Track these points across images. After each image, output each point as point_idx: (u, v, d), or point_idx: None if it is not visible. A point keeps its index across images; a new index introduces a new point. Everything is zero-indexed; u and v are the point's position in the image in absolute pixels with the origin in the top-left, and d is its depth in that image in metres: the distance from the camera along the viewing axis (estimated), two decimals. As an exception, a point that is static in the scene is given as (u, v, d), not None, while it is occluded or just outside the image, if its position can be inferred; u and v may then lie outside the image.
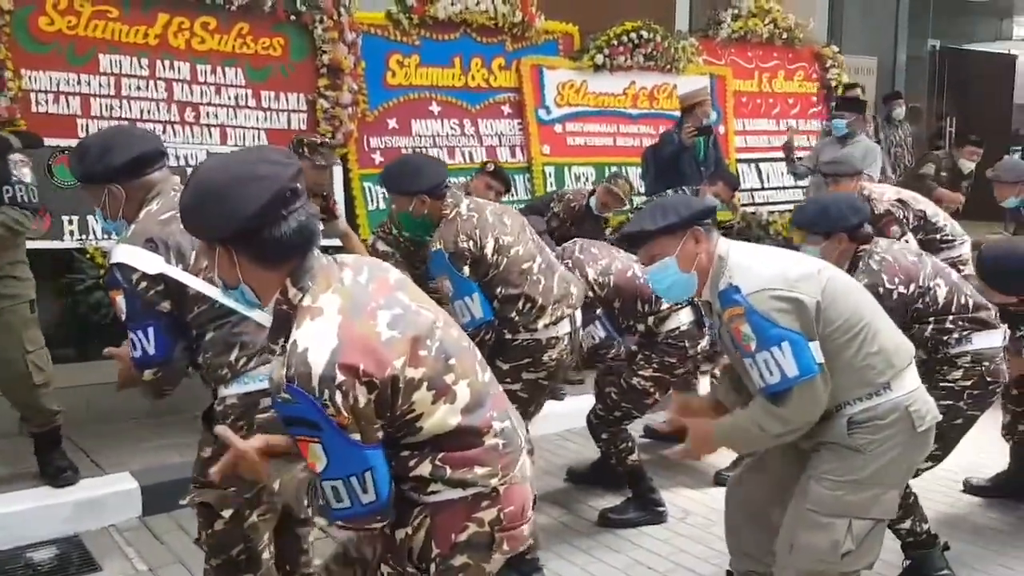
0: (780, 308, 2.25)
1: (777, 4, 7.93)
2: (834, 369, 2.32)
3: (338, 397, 1.53)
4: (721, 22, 7.60)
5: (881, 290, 3.02)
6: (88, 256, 4.76)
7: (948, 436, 3.11)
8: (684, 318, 3.71)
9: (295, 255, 1.66)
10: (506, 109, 6.42)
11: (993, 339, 3.25)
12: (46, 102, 4.75)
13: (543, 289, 3.29)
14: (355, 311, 1.63)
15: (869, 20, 10.14)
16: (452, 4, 5.98)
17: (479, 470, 1.70)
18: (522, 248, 3.30)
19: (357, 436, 1.57)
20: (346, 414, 1.54)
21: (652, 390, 3.75)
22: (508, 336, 3.28)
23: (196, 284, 2.20)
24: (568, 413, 4.72)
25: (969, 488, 4.15)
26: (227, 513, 2.28)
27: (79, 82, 4.83)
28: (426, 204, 3.26)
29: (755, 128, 7.88)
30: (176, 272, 2.20)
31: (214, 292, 2.17)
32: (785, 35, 7.92)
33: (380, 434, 1.62)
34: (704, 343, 3.75)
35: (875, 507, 2.39)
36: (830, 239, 3.08)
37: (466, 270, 3.20)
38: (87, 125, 4.83)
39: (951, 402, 3.15)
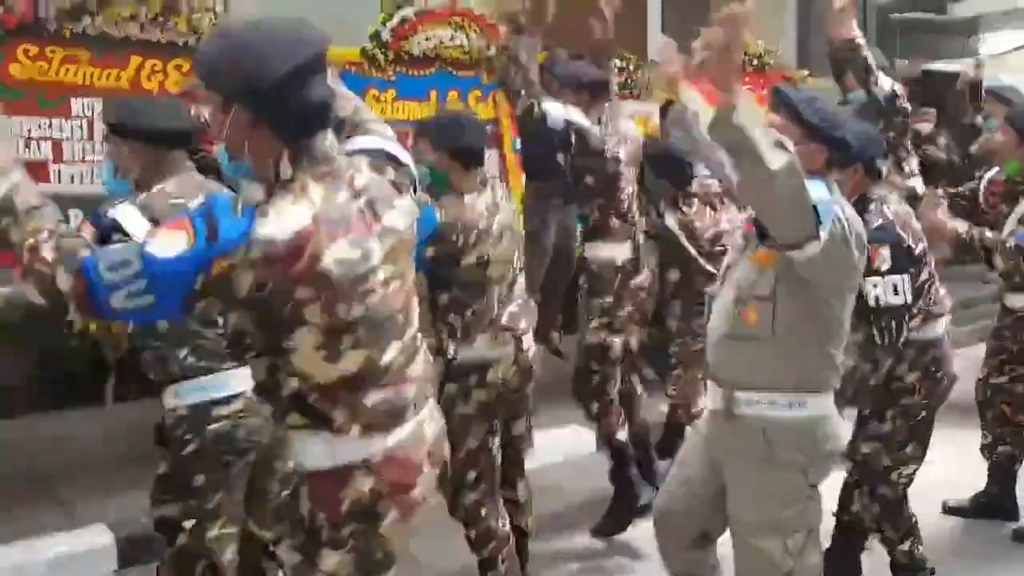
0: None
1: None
2: (797, 337, 2.33)
3: (238, 259, 1.52)
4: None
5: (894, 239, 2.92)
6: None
7: (918, 433, 3.14)
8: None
9: (310, 129, 1.65)
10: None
11: (937, 329, 3.27)
12: (18, 148, 4.71)
13: None
14: (324, 225, 1.60)
15: (838, 43, 10.28)
16: (427, 39, 6.00)
17: (338, 412, 1.69)
18: None
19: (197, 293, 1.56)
20: (221, 265, 1.52)
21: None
22: None
23: None
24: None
25: (948, 509, 4.16)
26: (189, 524, 2.25)
27: (50, 127, 4.80)
28: None
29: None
30: None
31: None
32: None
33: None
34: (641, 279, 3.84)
35: (803, 518, 2.38)
36: (845, 169, 2.79)
37: None
38: (60, 171, 4.79)
39: (908, 400, 3.16)
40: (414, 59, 6.00)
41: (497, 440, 3.19)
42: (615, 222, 4.10)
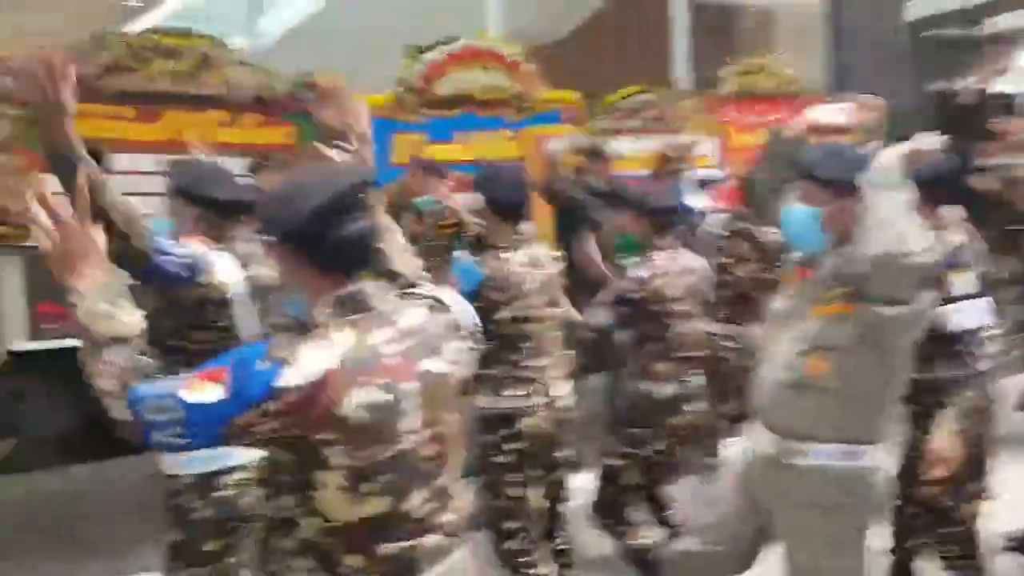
0: None
1: (776, 58, 8.02)
2: (863, 389, 2.36)
3: (271, 405, 1.55)
4: (721, 79, 7.69)
5: None
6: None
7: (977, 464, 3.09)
8: None
9: (349, 264, 1.70)
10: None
11: None
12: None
13: None
14: (351, 367, 1.61)
15: (877, 64, 10.22)
16: (454, 81, 6.10)
17: (351, 559, 1.64)
18: None
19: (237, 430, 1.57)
20: (254, 424, 1.55)
21: None
22: None
23: None
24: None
25: (1009, 542, 4.03)
26: None
27: (94, 182, 4.96)
28: None
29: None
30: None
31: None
32: (789, 87, 7.99)
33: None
34: None
35: (854, 564, 2.39)
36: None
37: None
38: (103, 223, 4.96)
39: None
40: (442, 100, 6.10)
41: (537, 491, 3.21)
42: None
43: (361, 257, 1.71)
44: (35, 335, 4.73)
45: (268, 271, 2.43)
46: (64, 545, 4.23)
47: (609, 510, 3.82)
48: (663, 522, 3.76)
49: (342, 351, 1.61)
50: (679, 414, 3.64)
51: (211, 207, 2.39)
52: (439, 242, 5.07)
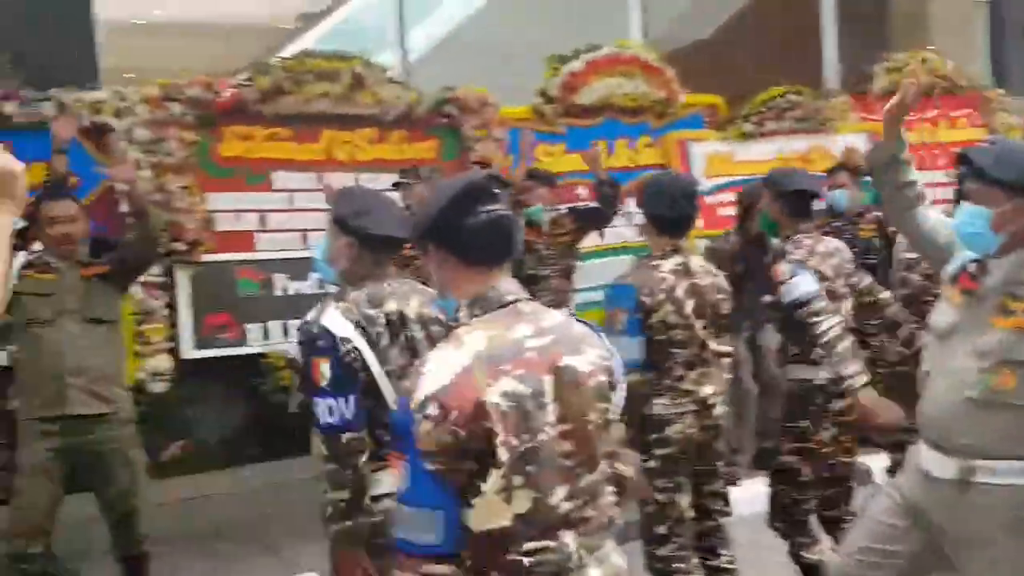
0: None
1: (934, 52, 7.62)
2: None
3: (425, 425, 1.59)
4: (873, 76, 7.37)
5: None
6: (269, 360, 5.10)
7: None
8: None
9: (487, 253, 1.75)
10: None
11: None
12: (228, 220, 5.19)
13: None
14: (487, 360, 1.65)
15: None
16: (595, 90, 6.12)
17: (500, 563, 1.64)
18: None
19: (436, 468, 1.59)
20: (426, 444, 1.59)
21: None
22: None
23: (380, 380, 2.32)
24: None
25: None
26: None
27: (256, 200, 5.25)
28: None
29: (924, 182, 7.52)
30: (367, 353, 2.32)
31: (387, 393, 2.29)
32: (945, 82, 7.58)
33: (463, 478, 1.61)
34: None
35: None
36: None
37: None
38: (264, 239, 5.24)
39: None
40: (583, 109, 6.13)
41: (686, 498, 3.19)
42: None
43: (498, 245, 1.76)
44: (203, 344, 5.05)
45: (416, 303, 2.44)
46: (233, 543, 4.50)
47: (788, 514, 3.70)
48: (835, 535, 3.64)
49: (476, 348, 1.66)
50: (838, 398, 3.50)
51: (363, 240, 2.43)
52: (552, 251, 5.11)
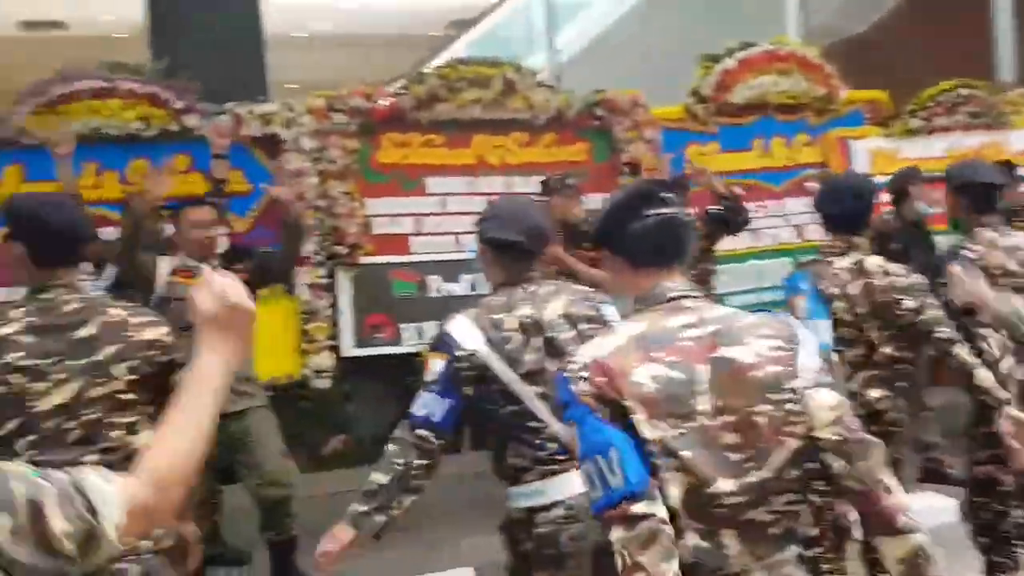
0: None
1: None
2: None
3: (581, 385, 1.64)
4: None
5: None
6: (423, 360, 5.24)
7: None
8: None
9: (653, 255, 1.78)
10: (811, 186, 6.20)
11: None
12: (385, 224, 5.38)
13: None
14: (640, 344, 1.69)
15: None
16: (750, 88, 5.97)
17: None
18: None
19: (601, 415, 1.63)
20: (585, 400, 1.63)
21: None
22: None
23: (513, 384, 2.33)
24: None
25: None
26: None
27: (411, 204, 5.42)
28: None
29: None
30: (493, 360, 2.32)
31: (522, 391, 2.31)
32: None
33: None
34: None
35: None
36: None
37: None
38: (419, 242, 5.40)
39: None
40: (737, 108, 5.99)
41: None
42: None
43: (666, 247, 1.77)
44: (362, 343, 5.25)
45: (561, 304, 2.43)
46: (391, 535, 4.65)
47: (991, 528, 3.49)
48: None
49: (630, 333, 1.71)
50: None
51: (490, 245, 2.45)
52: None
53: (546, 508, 2.31)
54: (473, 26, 9.08)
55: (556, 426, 2.29)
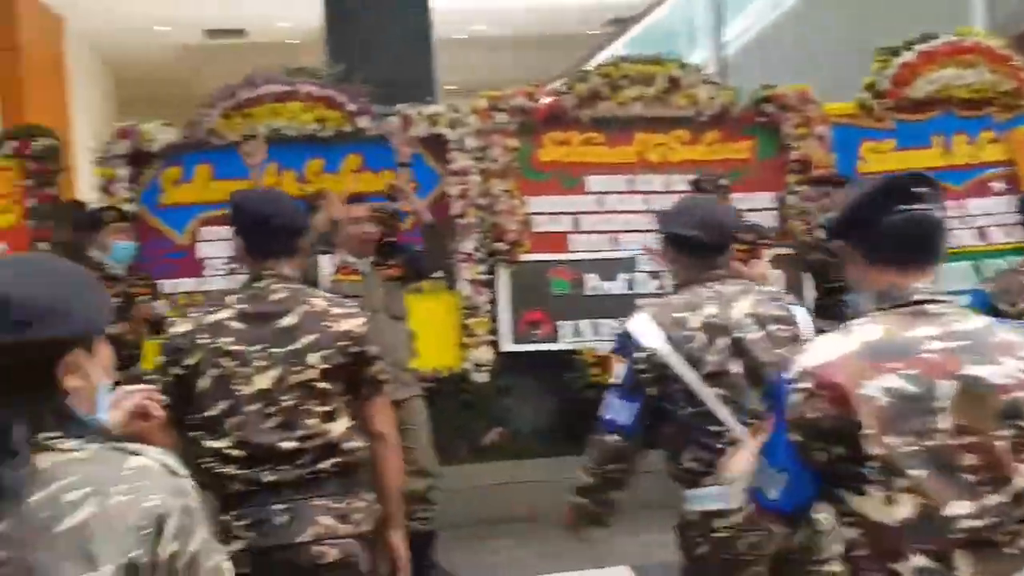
0: None
1: None
2: None
3: (795, 396, 1.58)
4: None
5: None
6: (580, 357, 5.27)
7: None
8: None
9: (900, 254, 1.68)
10: (996, 185, 5.82)
11: None
12: (544, 222, 5.43)
13: None
14: (875, 352, 1.59)
15: None
16: (930, 82, 5.64)
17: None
18: None
19: (793, 438, 1.59)
20: (792, 415, 1.58)
21: None
22: None
23: (694, 385, 2.28)
24: None
25: None
26: None
27: (570, 203, 5.46)
28: None
29: None
30: (673, 359, 2.28)
31: (703, 393, 2.27)
32: None
33: (822, 457, 1.58)
34: None
35: None
36: None
37: None
38: (577, 240, 5.43)
39: None
40: (915, 103, 5.68)
41: None
42: None
43: (912, 245, 1.67)
44: (520, 339, 5.33)
45: (748, 304, 2.36)
46: (545, 529, 4.70)
47: None
48: None
49: (866, 338, 1.61)
50: None
51: (672, 243, 2.40)
52: None
53: (724, 514, 2.27)
54: (634, 24, 9.01)
55: (737, 430, 2.25)
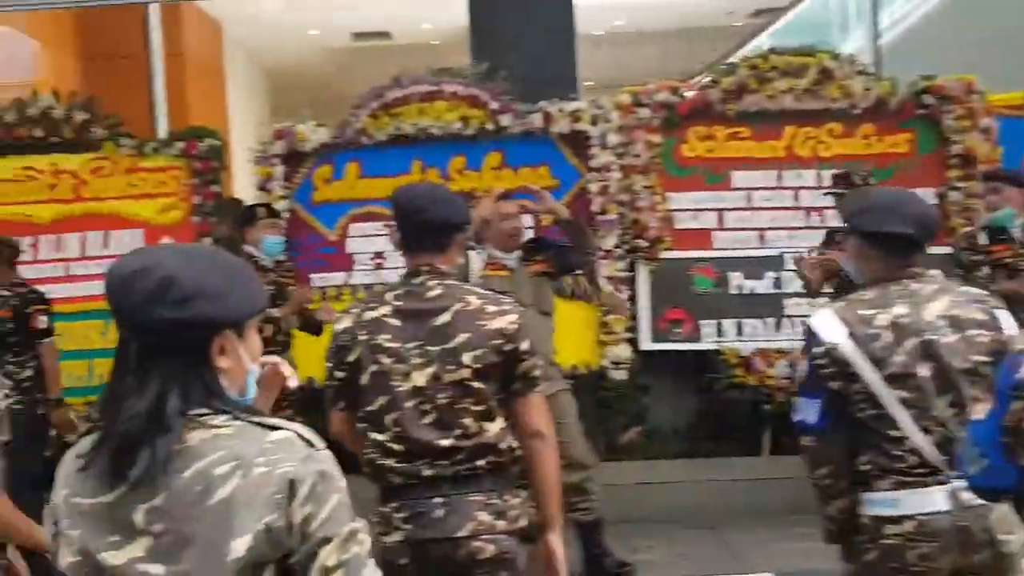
0: None
1: None
2: None
3: (1017, 404, 1.52)
4: None
5: None
6: (723, 357, 5.15)
7: None
8: None
9: None
10: None
11: None
12: (686, 219, 5.33)
13: None
14: None
15: None
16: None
17: None
18: None
19: (1004, 440, 1.55)
20: (1011, 419, 1.54)
21: None
22: None
23: (875, 386, 2.17)
24: None
25: None
26: None
27: (715, 199, 5.34)
28: None
29: None
30: (855, 358, 2.17)
31: (884, 395, 2.17)
32: None
33: None
34: None
35: None
36: None
37: None
38: (721, 237, 5.31)
39: None
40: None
41: None
42: None
43: None
44: (659, 337, 5.26)
45: (943, 305, 2.21)
46: (685, 530, 4.63)
47: None
48: None
49: None
50: None
51: (864, 238, 2.27)
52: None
53: (896, 520, 2.16)
54: (782, 14, 8.72)
55: (918, 438, 2.13)
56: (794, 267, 4.72)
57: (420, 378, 2.21)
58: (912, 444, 2.13)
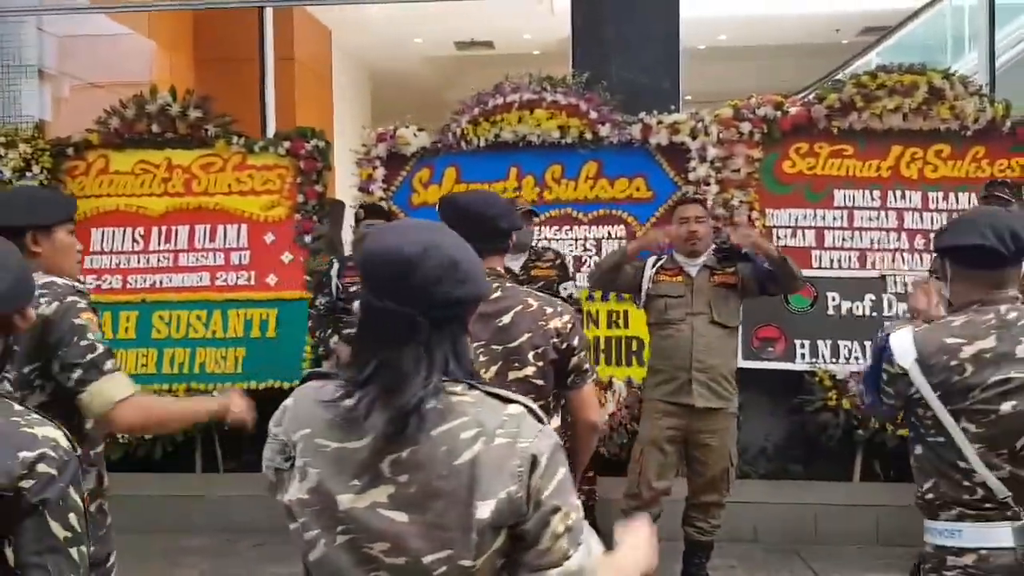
0: None
1: None
2: None
3: None
4: None
5: None
6: (817, 379, 5.03)
7: None
8: None
9: None
10: None
11: None
12: (785, 236, 5.24)
13: None
14: None
15: None
16: None
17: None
18: None
19: None
20: None
21: None
22: None
23: (941, 415, 2.12)
24: None
25: None
26: None
27: (815, 217, 5.23)
28: None
29: None
30: (922, 386, 2.13)
31: (951, 426, 2.10)
32: None
33: None
34: None
35: None
36: None
37: None
38: (820, 256, 5.19)
39: None
40: None
41: None
42: None
43: None
44: (751, 355, 5.16)
45: None
46: (768, 551, 4.54)
47: None
48: None
49: None
50: None
51: (946, 257, 2.18)
52: None
53: (957, 552, 2.10)
54: (892, 33, 8.49)
55: (984, 472, 2.06)
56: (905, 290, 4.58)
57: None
58: (979, 479, 2.06)
